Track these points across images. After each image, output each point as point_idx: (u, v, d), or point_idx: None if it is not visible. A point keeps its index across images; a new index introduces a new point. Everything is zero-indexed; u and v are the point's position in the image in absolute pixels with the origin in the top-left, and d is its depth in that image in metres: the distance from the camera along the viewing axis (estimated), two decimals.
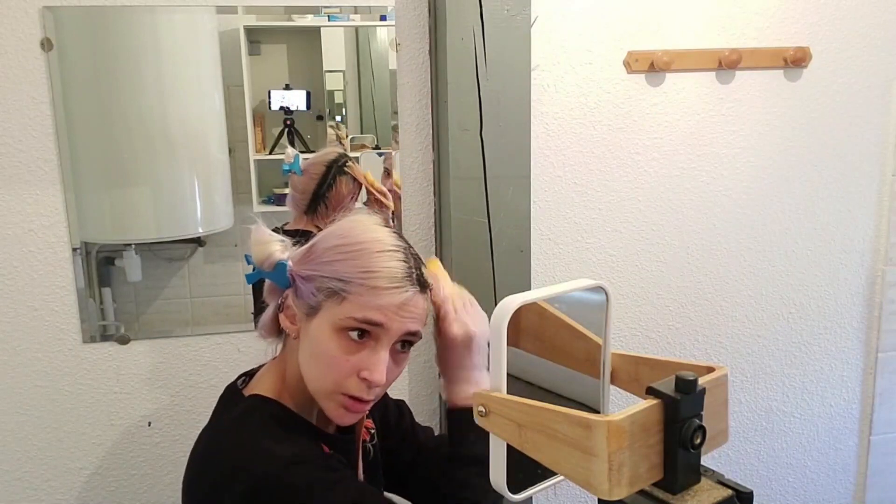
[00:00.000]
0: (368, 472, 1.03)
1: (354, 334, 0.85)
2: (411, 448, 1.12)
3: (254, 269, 0.92)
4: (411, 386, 1.56)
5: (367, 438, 1.04)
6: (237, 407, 0.91)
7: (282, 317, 0.91)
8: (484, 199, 1.40)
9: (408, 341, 0.90)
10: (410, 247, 0.91)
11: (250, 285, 0.99)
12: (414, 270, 0.87)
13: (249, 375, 0.99)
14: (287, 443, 0.85)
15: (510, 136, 1.39)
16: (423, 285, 0.88)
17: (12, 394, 1.39)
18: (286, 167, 1.43)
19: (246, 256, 0.93)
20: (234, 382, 0.98)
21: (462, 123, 1.37)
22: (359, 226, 0.89)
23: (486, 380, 0.93)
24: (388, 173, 1.49)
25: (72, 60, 1.31)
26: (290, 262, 0.89)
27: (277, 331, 0.95)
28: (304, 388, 0.91)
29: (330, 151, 1.46)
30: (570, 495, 1.70)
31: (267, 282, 0.94)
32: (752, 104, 1.61)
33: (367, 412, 1.04)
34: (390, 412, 1.13)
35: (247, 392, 0.94)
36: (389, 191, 1.49)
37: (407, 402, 1.56)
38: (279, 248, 0.90)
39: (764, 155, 1.64)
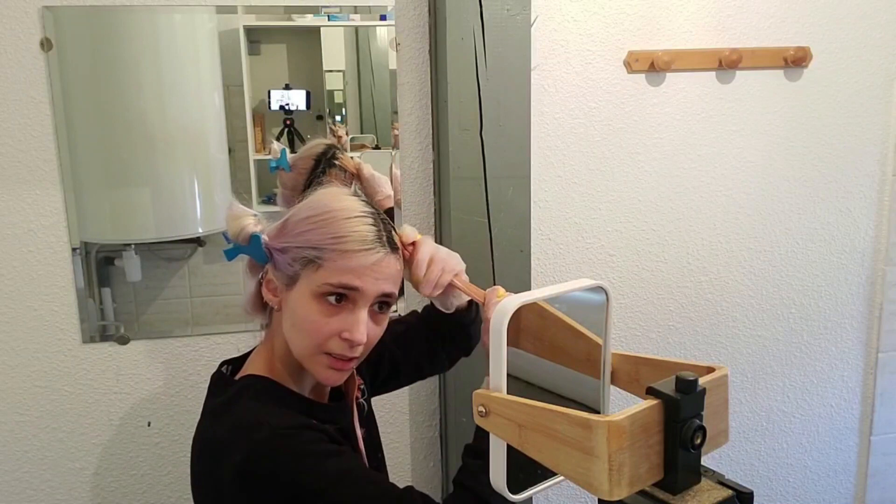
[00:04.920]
0: (365, 425, 1.06)
1: (332, 299, 0.88)
2: (398, 353, 1.16)
3: (232, 246, 0.95)
4: (412, 386, 1.56)
5: (359, 395, 1.07)
6: (229, 390, 0.93)
7: (264, 290, 0.95)
8: (484, 199, 1.39)
9: (385, 302, 0.93)
10: (380, 213, 0.94)
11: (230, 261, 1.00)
12: (384, 234, 0.90)
13: (232, 363, 1.01)
14: (280, 415, 0.88)
15: (510, 136, 1.39)
16: (393, 247, 0.92)
17: (12, 394, 1.39)
18: (273, 164, 1.40)
19: (223, 234, 0.96)
20: (219, 370, 1.01)
21: (462, 123, 1.37)
22: (328, 196, 0.93)
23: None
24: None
25: (71, 60, 1.31)
26: (264, 236, 0.92)
27: (262, 306, 0.98)
28: (293, 361, 0.94)
29: (317, 144, 1.42)
30: (570, 495, 1.70)
31: (246, 259, 0.96)
32: (752, 104, 1.61)
33: (354, 369, 1.05)
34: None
35: (238, 377, 0.96)
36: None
37: (406, 403, 1.57)
38: (252, 222, 0.93)
39: (764, 155, 1.64)
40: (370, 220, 0.90)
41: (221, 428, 0.88)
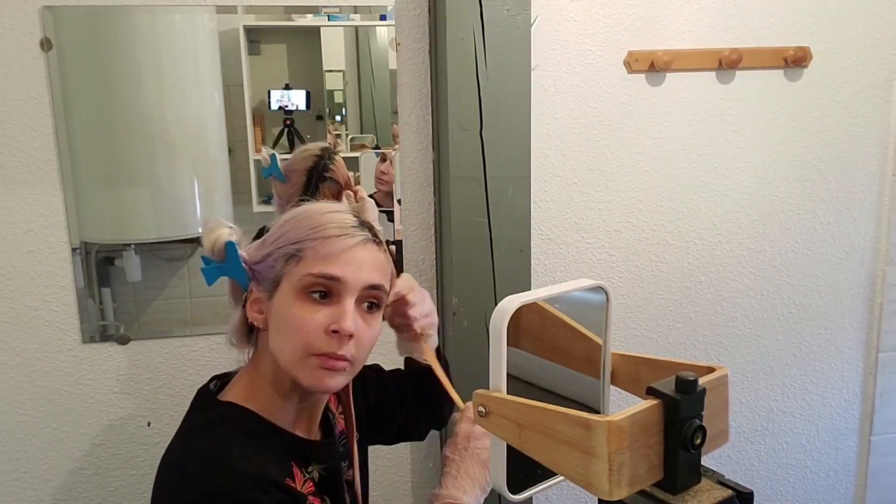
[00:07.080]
0: (359, 469, 1.03)
1: (316, 295, 0.85)
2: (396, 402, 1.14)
3: (211, 265, 0.91)
4: None
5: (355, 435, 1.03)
6: (208, 412, 0.89)
7: (249, 311, 0.90)
8: (484, 199, 1.39)
9: (373, 300, 0.89)
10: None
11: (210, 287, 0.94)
12: (365, 225, 0.89)
13: (222, 378, 0.96)
14: (254, 461, 0.83)
15: (510, 136, 1.39)
16: (376, 238, 0.89)
17: (12, 394, 1.39)
18: (266, 171, 1.36)
19: (202, 258, 0.91)
20: (207, 385, 0.96)
21: (462, 123, 1.37)
22: (304, 205, 0.91)
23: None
24: (383, 158, 1.48)
25: (71, 60, 1.31)
26: (243, 252, 0.90)
27: (248, 334, 0.93)
28: (279, 389, 0.89)
29: (308, 155, 1.35)
30: (570, 495, 1.70)
31: (229, 284, 0.93)
32: (752, 104, 1.61)
33: (350, 377, 1.00)
34: (370, 392, 1.11)
35: (221, 397, 0.91)
36: (384, 174, 1.48)
37: None
38: (226, 233, 0.90)
39: (764, 155, 1.64)
40: (349, 213, 0.89)
41: (190, 456, 0.84)
